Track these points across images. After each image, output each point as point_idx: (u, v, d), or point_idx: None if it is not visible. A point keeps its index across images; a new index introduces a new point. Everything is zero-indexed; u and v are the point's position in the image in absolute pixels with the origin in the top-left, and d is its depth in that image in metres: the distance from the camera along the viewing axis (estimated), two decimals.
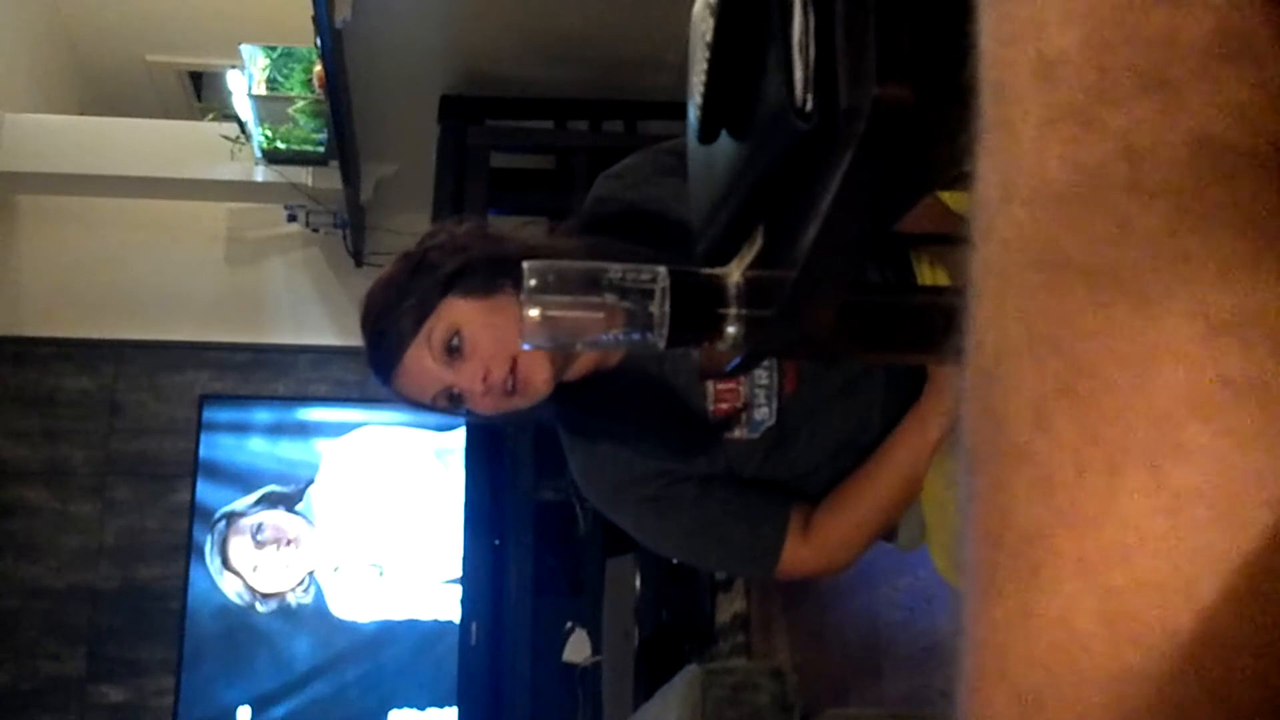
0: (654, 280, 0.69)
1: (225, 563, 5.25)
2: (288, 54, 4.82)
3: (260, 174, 5.06)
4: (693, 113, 0.68)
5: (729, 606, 4.15)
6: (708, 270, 0.71)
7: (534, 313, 0.69)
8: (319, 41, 3.84)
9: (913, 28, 0.54)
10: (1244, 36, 0.23)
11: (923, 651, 2.72)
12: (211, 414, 5.41)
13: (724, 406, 1.41)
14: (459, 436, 4.84)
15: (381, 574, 5.33)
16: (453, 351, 1.34)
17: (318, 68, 4.52)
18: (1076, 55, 0.24)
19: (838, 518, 1.40)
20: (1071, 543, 0.24)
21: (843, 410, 1.42)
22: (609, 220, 1.45)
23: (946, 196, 1.25)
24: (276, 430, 5.49)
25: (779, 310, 0.67)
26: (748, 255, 0.70)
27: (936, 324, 0.75)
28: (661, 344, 0.70)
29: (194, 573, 5.24)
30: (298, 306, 5.51)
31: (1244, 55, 0.23)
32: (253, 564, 5.27)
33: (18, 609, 5.12)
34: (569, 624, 4.34)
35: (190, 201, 5.34)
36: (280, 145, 4.92)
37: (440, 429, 5.15)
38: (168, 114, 6.01)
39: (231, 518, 5.30)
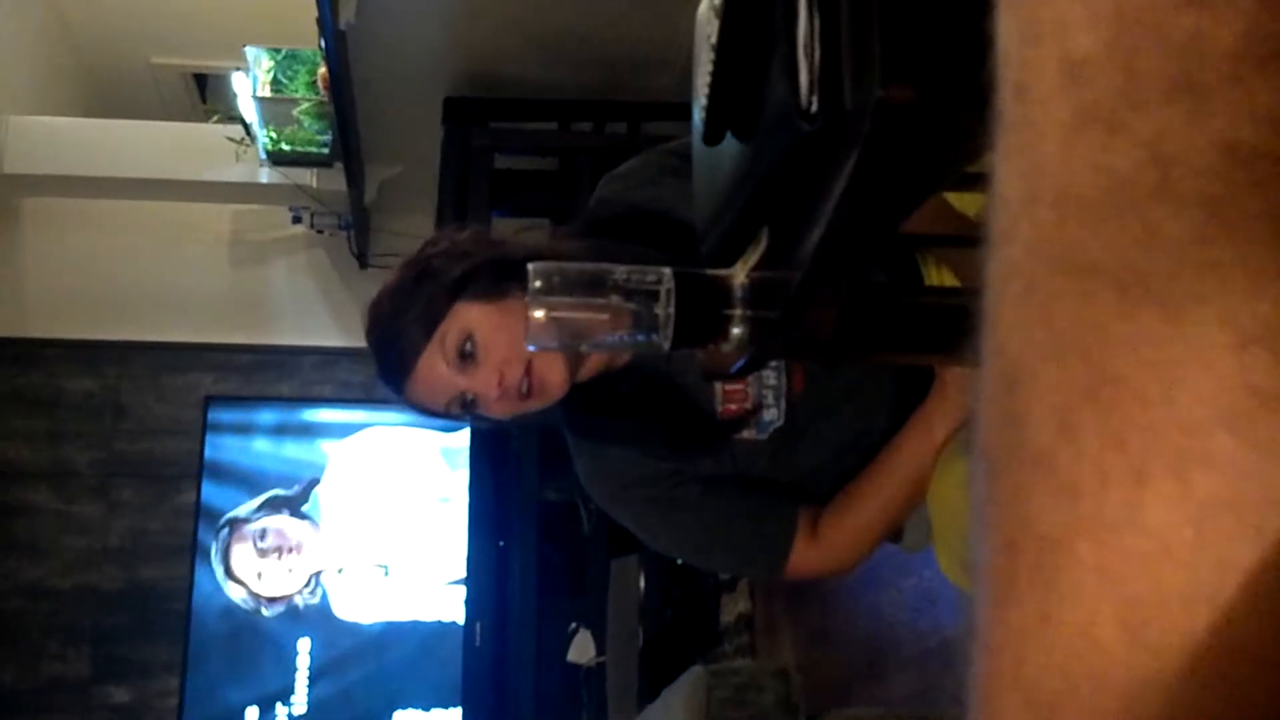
0: (659, 281, 0.69)
1: (229, 571, 5.25)
2: (292, 56, 4.83)
3: (265, 176, 5.07)
4: (697, 114, 0.68)
5: (733, 607, 4.14)
6: (713, 271, 0.71)
7: (539, 314, 0.69)
8: (323, 43, 3.85)
9: (917, 29, 0.54)
10: (1274, 40, 0.23)
11: (927, 653, 2.72)
12: (216, 415, 5.41)
13: (732, 408, 1.40)
14: (464, 437, 4.84)
15: (387, 575, 5.34)
16: (466, 356, 1.33)
17: (322, 70, 4.52)
18: (1103, 57, 0.24)
19: (845, 518, 1.39)
20: (1093, 550, 0.24)
21: (850, 410, 1.41)
22: (613, 221, 1.44)
23: (952, 197, 1.25)
24: (281, 431, 5.49)
25: (784, 311, 0.67)
26: (753, 256, 0.70)
27: (943, 325, 0.75)
28: (667, 345, 0.70)
29: (199, 574, 5.24)
30: (302, 308, 5.52)
31: (1274, 60, 0.23)
32: (256, 571, 5.26)
33: (22, 610, 5.13)
34: (573, 624, 4.34)
35: (195, 203, 5.35)
36: (285, 147, 4.93)
37: (445, 429, 5.15)
38: (172, 116, 6.01)
39: (234, 524, 5.30)
